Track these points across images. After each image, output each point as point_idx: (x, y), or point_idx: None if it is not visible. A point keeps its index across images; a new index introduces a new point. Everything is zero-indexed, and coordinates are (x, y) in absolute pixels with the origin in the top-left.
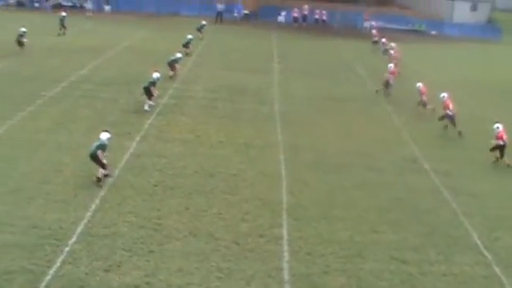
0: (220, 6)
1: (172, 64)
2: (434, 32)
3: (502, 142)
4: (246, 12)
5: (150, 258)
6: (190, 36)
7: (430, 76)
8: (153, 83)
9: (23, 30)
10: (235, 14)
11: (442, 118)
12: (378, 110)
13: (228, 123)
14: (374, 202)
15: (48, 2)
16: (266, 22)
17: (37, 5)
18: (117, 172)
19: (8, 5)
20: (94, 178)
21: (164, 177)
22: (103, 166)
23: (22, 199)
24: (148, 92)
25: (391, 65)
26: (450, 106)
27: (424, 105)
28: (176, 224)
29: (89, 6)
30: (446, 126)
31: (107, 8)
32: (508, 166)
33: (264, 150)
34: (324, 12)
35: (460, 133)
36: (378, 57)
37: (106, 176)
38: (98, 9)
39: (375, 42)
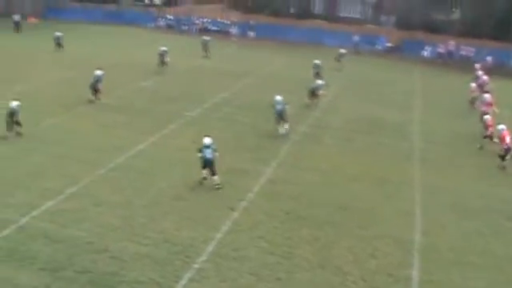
0: (355, 37)
1: (313, 91)
2: None
3: None
4: (390, 45)
5: (277, 286)
6: (317, 61)
7: None
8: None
9: (164, 48)
10: (378, 47)
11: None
12: None
13: (365, 156)
14: None
15: (195, 26)
16: (410, 56)
17: (185, 28)
18: (251, 196)
19: (158, 27)
20: (207, 179)
21: (297, 205)
22: (215, 172)
23: (157, 213)
24: (281, 117)
25: (487, 95)
26: (507, 140)
27: (491, 138)
28: (305, 254)
29: (234, 31)
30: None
31: (252, 34)
32: None
33: (400, 187)
34: (472, 49)
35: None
36: None
37: (217, 185)
38: (243, 34)
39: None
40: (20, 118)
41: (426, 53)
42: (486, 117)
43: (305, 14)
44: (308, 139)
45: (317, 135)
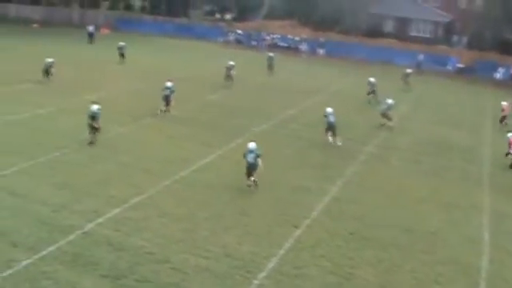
0: (420, 56)
1: (385, 113)
2: None
3: None
4: (461, 65)
5: None
6: (371, 79)
7: None
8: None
9: (231, 63)
10: (449, 67)
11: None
12: None
13: (432, 179)
14: None
15: (264, 41)
16: (481, 78)
17: (254, 43)
18: (315, 214)
19: (227, 41)
20: (252, 186)
21: (361, 226)
22: (252, 175)
23: (220, 227)
24: (333, 130)
25: None
26: None
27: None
28: (367, 275)
29: (303, 48)
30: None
31: (321, 51)
32: None
33: (468, 211)
34: None
35: None
36: None
37: (255, 182)
38: (312, 51)
39: None
40: (100, 123)
41: (498, 74)
42: (510, 134)
43: (375, 32)
44: (375, 159)
45: (384, 156)
